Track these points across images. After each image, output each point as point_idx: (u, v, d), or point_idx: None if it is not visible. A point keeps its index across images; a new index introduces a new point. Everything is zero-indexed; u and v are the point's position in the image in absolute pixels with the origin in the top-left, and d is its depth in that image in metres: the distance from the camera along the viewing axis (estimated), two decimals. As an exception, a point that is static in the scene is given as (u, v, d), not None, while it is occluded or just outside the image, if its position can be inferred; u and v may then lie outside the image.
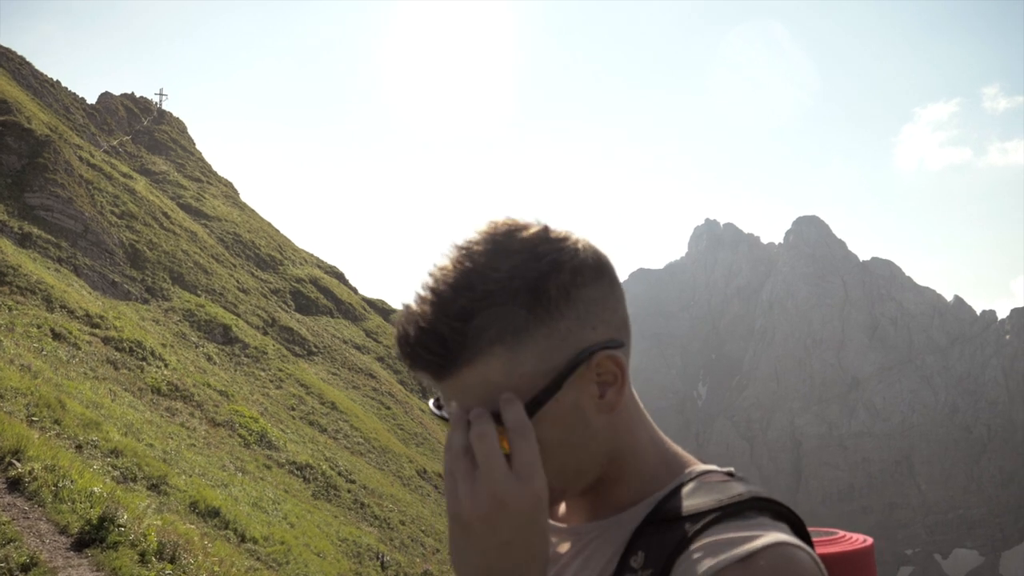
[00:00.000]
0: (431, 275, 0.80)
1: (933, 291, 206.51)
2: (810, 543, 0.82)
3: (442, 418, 0.90)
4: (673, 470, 0.92)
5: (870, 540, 1.12)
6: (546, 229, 0.82)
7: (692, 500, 0.84)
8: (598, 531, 0.90)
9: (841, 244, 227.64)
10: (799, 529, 0.84)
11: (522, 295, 0.78)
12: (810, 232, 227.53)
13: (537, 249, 0.80)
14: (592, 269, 0.84)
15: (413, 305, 0.80)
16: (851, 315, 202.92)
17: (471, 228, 0.82)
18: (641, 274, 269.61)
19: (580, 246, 0.83)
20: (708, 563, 0.75)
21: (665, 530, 0.82)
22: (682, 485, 0.88)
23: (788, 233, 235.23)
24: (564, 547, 0.92)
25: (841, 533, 1.14)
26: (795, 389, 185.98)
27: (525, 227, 0.82)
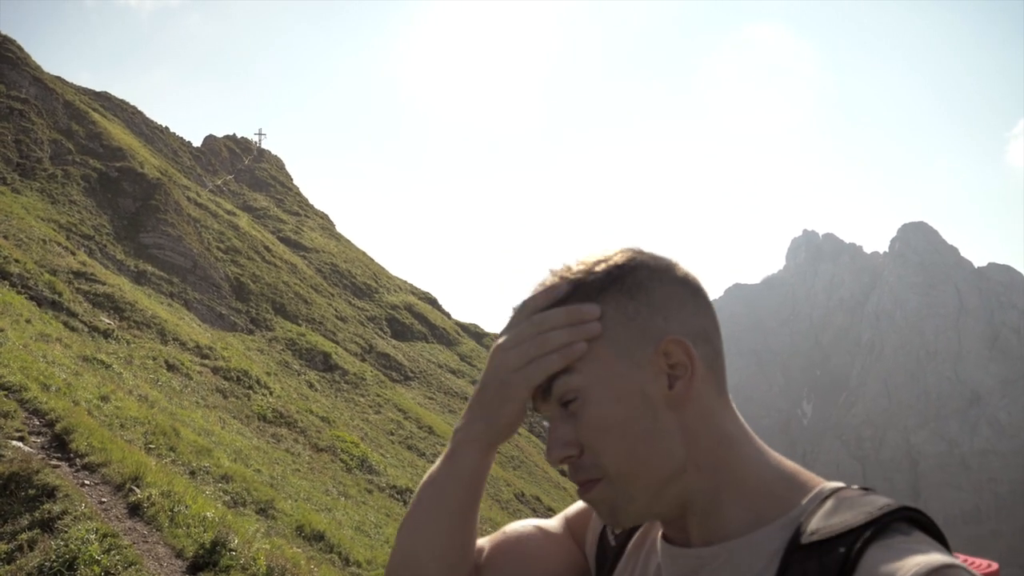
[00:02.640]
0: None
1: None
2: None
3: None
4: (799, 488, 0.86)
5: (995, 565, 1.03)
6: (640, 249, 0.92)
7: (837, 518, 0.78)
8: (724, 554, 0.84)
9: (952, 250, 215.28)
10: (944, 542, 0.79)
11: (602, 277, 0.88)
12: (917, 239, 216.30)
13: (628, 255, 0.90)
14: (676, 275, 0.90)
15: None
16: (968, 325, 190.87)
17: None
18: (737, 289, 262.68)
19: (671, 261, 0.92)
20: None
21: (818, 553, 0.77)
22: (819, 503, 0.82)
23: (894, 241, 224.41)
24: (685, 570, 0.87)
25: (963, 557, 1.03)
26: (909, 405, 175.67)
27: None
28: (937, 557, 0.71)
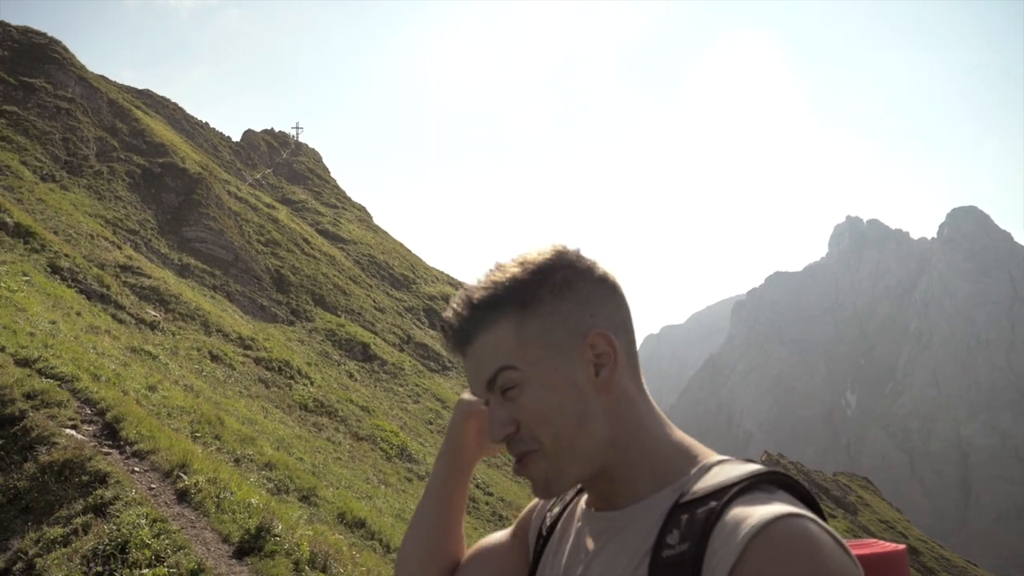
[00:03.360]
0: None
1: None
2: (824, 519, 0.92)
3: None
4: (691, 459, 1.03)
5: (903, 546, 1.15)
6: (565, 249, 1.05)
7: (713, 480, 0.96)
8: (629, 516, 1.02)
9: (1006, 236, 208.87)
10: (815, 508, 0.94)
11: (533, 279, 1.01)
12: (968, 224, 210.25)
13: (554, 254, 1.03)
14: (598, 275, 1.04)
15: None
16: (1021, 312, 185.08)
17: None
18: (778, 277, 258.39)
19: (592, 260, 1.06)
20: (739, 531, 0.87)
21: (695, 508, 0.94)
22: (705, 471, 0.99)
23: (942, 226, 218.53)
24: (598, 530, 1.05)
25: (873, 541, 1.17)
26: (959, 396, 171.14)
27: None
28: (787, 507, 0.87)
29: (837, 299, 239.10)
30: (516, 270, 1.02)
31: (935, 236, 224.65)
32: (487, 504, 18.04)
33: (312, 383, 19.28)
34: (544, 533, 1.21)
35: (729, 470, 0.97)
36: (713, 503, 0.92)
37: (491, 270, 1.04)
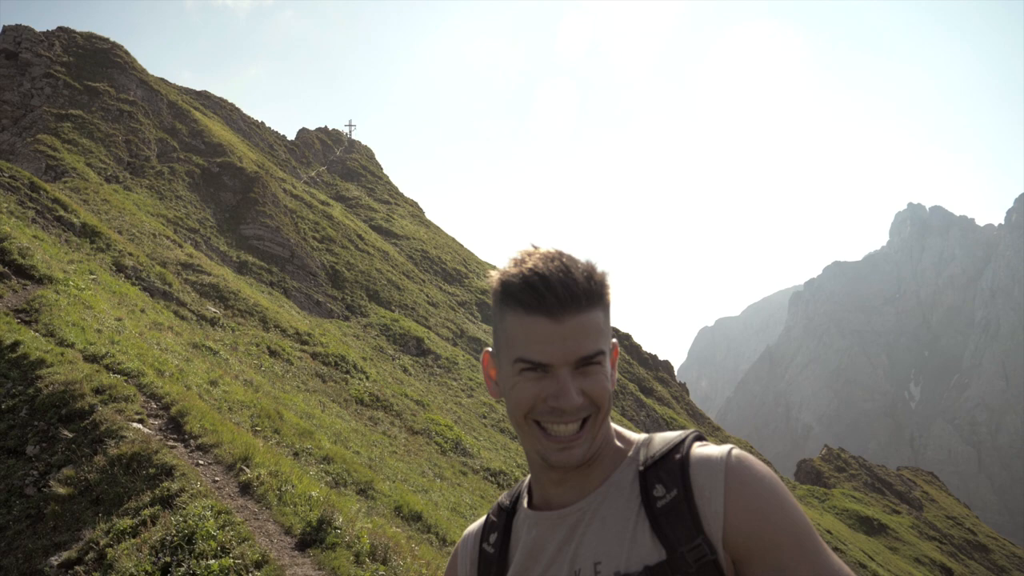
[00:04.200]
0: (549, 247, 1.25)
1: None
2: None
3: None
4: (627, 439, 1.30)
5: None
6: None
7: (662, 444, 1.25)
8: (600, 496, 1.23)
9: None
10: None
11: (604, 283, 1.25)
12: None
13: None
14: None
15: (538, 254, 1.23)
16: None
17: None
18: (837, 267, 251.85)
19: None
20: (712, 465, 1.17)
21: (664, 464, 1.21)
22: (645, 443, 1.27)
23: (1010, 212, 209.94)
24: (573, 520, 1.24)
25: None
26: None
27: None
28: (727, 445, 1.21)
29: (899, 289, 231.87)
30: (587, 266, 1.22)
31: (1002, 223, 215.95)
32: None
33: (367, 377, 19.49)
34: (490, 558, 1.35)
35: (667, 436, 1.26)
36: (677, 455, 1.20)
37: (586, 259, 1.23)
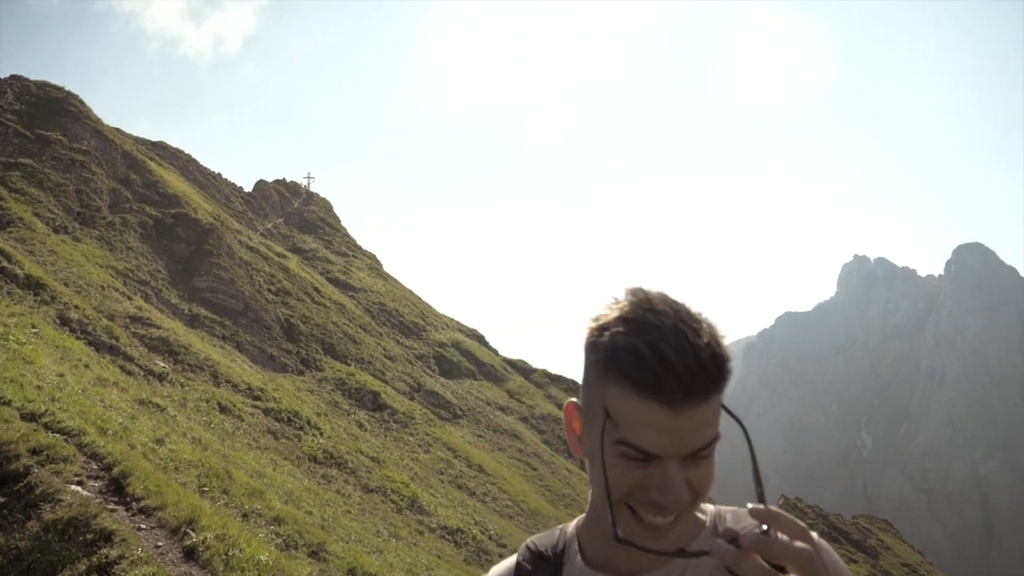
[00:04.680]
0: (668, 304, 1.05)
1: None
2: None
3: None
4: (702, 507, 1.23)
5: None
6: None
7: (741, 513, 1.22)
8: (679, 568, 1.14)
9: (1012, 271, 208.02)
10: None
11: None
12: (974, 260, 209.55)
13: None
14: None
15: (656, 317, 1.03)
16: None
17: (655, 291, 1.09)
18: (788, 318, 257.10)
19: None
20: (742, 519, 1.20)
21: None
22: (721, 514, 1.23)
23: (949, 263, 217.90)
24: None
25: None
26: (975, 435, 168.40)
27: None
28: None
29: (848, 338, 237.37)
30: (726, 341, 1.06)
31: (942, 273, 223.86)
32: (501, 556, 17.61)
33: (322, 434, 19.05)
34: None
35: (739, 510, 1.19)
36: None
37: (709, 326, 1.04)
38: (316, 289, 35.26)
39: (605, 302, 1.07)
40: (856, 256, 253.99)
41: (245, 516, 9.74)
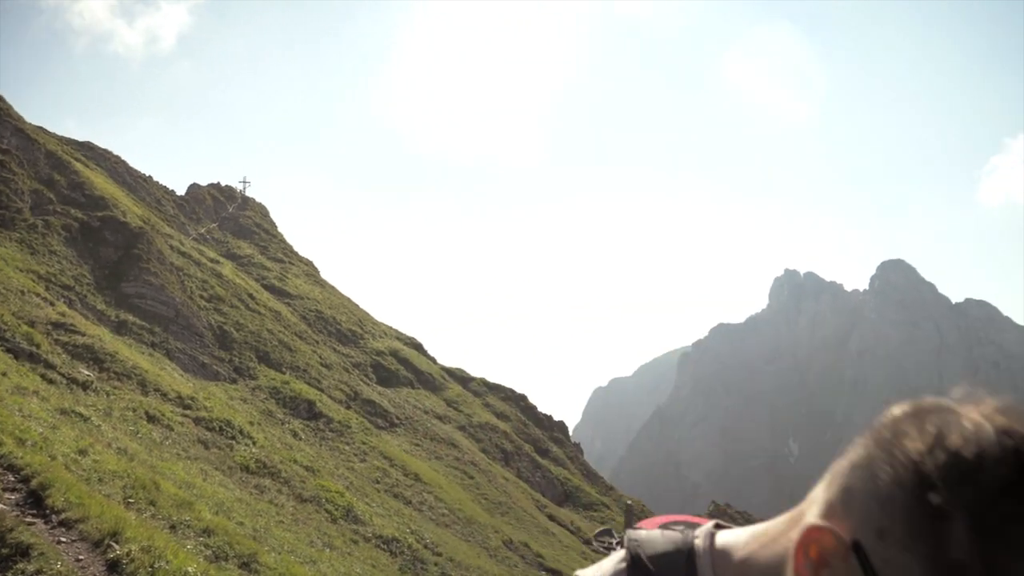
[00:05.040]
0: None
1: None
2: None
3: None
4: None
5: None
6: None
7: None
8: None
9: (931, 287, 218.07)
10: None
11: None
12: (897, 276, 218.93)
13: None
14: None
15: None
16: (948, 361, 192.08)
17: None
18: (722, 329, 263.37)
19: None
20: None
21: None
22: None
23: (873, 278, 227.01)
24: None
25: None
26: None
27: None
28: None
29: (778, 350, 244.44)
30: None
31: (867, 288, 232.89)
32: (436, 565, 17.58)
33: (255, 443, 18.66)
34: None
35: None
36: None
37: None
38: (251, 296, 34.54)
39: (944, 406, 0.71)
40: (787, 270, 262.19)
41: (173, 528, 9.51)
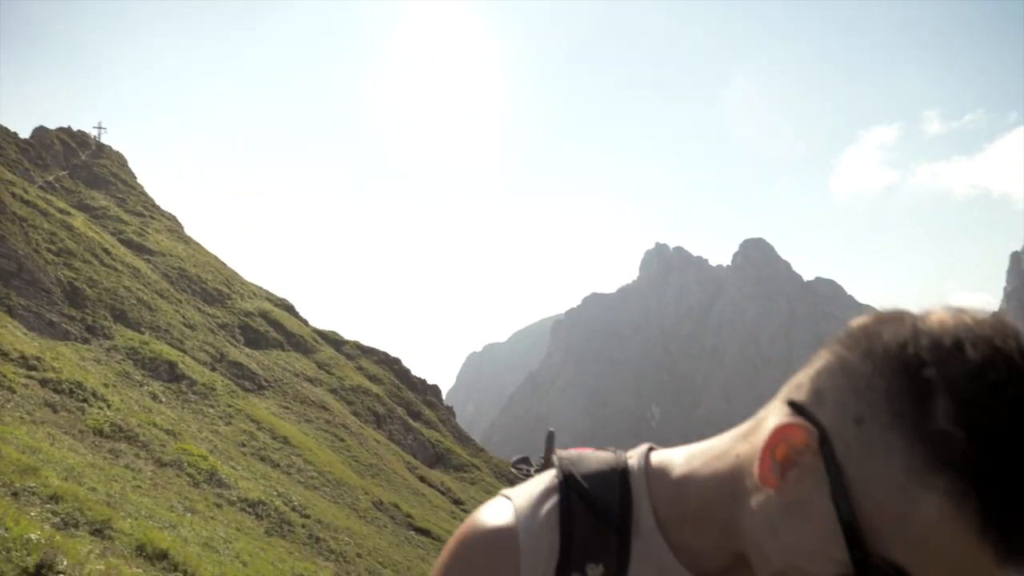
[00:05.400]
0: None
1: (875, 309, 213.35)
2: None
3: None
4: None
5: None
6: None
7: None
8: None
9: (786, 264, 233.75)
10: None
11: None
12: (756, 254, 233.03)
13: None
14: None
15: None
16: (796, 334, 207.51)
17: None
18: (594, 298, 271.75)
19: None
20: None
21: None
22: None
23: (736, 255, 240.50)
24: None
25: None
26: (746, 408, 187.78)
27: None
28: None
29: (646, 319, 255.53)
30: None
31: (730, 263, 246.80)
32: (303, 527, 17.47)
33: (109, 406, 17.70)
34: None
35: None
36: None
37: None
38: (106, 251, 32.36)
39: (946, 306, 0.73)
40: (658, 244, 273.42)
41: (15, 495, 8.98)
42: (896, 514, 0.67)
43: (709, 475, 0.87)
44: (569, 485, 0.91)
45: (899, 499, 0.67)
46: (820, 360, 0.78)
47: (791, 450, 0.75)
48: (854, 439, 0.71)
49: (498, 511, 0.91)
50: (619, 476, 0.92)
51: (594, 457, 0.95)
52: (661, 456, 0.94)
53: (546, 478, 0.94)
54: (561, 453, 0.97)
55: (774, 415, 0.82)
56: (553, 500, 0.90)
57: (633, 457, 0.94)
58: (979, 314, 0.70)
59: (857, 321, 0.79)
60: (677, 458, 0.93)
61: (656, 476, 0.91)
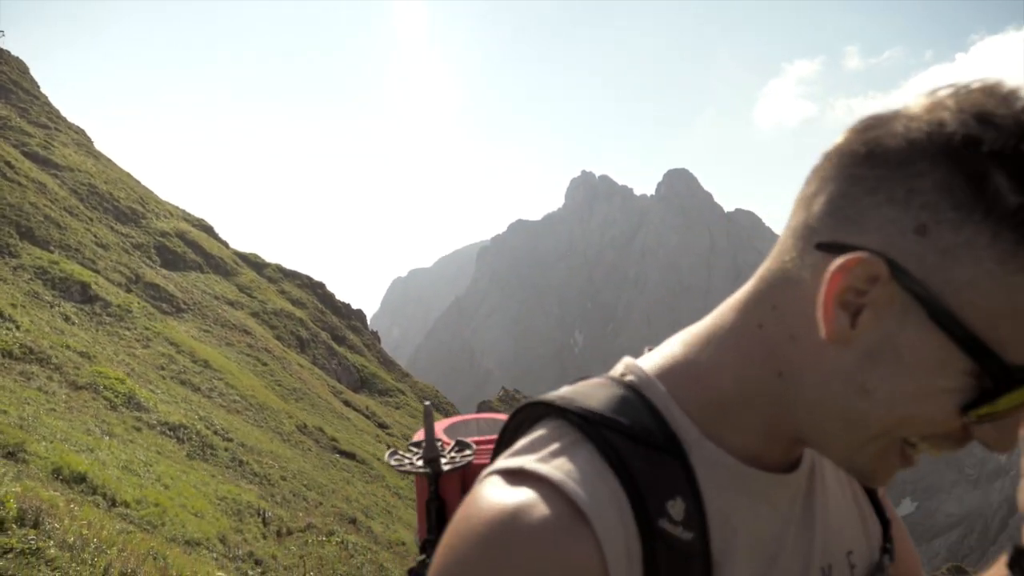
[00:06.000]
0: None
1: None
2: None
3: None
4: None
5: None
6: None
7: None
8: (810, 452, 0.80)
9: (708, 196, 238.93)
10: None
11: None
12: (680, 184, 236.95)
13: None
14: None
15: None
16: (716, 263, 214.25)
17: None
18: (520, 225, 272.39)
19: None
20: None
21: None
22: None
23: (660, 185, 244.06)
24: (800, 492, 0.77)
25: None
26: (665, 334, 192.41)
27: None
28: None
29: (570, 247, 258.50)
30: None
31: (653, 194, 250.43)
32: (226, 451, 17.58)
33: (18, 327, 17.12)
34: (685, 550, 0.65)
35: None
36: None
37: None
38: (8, 164, 30.49)
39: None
40: (584, 172, 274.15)
41: (-77, 418, 8.78)
42: (1008, 310, 0.58)
43: (738, 359, 0.71)
44: (594, 424, 0.70)
45: (1004, 293, 0.57)
46: (822, 193, 0.66)
47: (852, 292, 0.62)
48: (926, 251, 0.60)
49: (523, 492, 0.64)
50: (636, 395, 0.74)
51: (591, 388, 0.76)
52: (655, 360, 0.80)
53: (549, 430, 0.71)
54: (551, 395, 0.75)
55: (805, 269, 0.66)
56: (587, 448, 0.68)
57: (628, 375, 0.78)
58: (956, 88, 0.62)
59: (840, 141, 0.66)
60: (675, 356, 0.78)
61: (671, 381, 0.75)
